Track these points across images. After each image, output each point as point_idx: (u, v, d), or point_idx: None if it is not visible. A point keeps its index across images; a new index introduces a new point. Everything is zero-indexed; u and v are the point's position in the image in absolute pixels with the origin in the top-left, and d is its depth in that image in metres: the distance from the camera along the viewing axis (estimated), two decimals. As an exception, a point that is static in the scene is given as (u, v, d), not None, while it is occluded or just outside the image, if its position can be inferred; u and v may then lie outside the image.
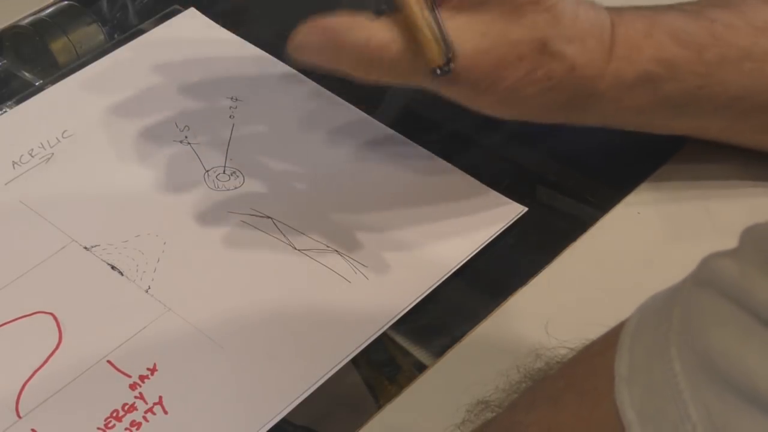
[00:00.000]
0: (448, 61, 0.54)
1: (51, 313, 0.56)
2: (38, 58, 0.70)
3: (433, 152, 0.64)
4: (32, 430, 0.51)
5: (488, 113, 0.59)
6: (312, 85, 0.68)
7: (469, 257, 0.59)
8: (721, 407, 0.34)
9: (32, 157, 0.64)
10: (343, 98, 0.67)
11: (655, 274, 0.58)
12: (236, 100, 0.65)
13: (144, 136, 0.65)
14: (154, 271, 0.58)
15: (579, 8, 0.57)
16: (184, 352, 0.54)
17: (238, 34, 0.70)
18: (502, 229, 0.60)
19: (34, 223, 0.60)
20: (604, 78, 0.58)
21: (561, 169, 0.64)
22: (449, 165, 0.63)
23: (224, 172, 0.63)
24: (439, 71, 0.54)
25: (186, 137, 0.65)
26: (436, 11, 0.55)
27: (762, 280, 0.34)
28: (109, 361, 0.54)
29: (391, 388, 0.54)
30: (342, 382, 0.54)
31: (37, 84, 0.68)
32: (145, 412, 0.52)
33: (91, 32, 0.71)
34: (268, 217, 0.60)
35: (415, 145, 0.64)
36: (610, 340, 0.39)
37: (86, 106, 0.67)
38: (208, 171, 0.63)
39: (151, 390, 0.53)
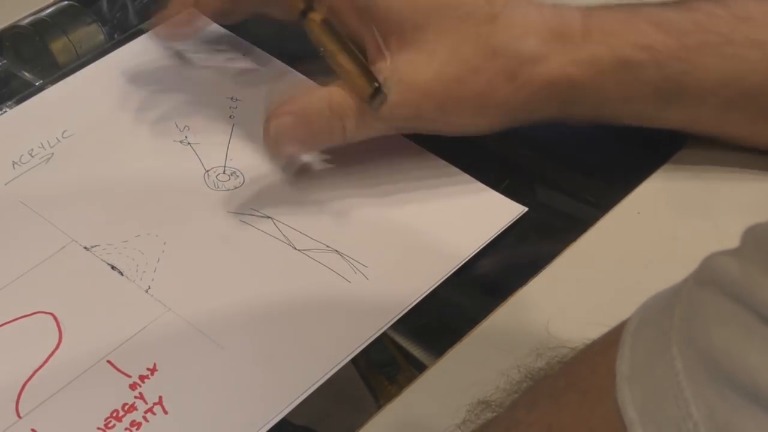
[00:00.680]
0: (378, 88, 0.56)
1: (51, 313, 0.56)
2: (38, 58, 0.70)
3: (433, 152, 0.64)
4: (32, 430, 0.51)
5: (476, 132, 0.60)
6: (312, 84, 0.68)
7: (469, 257, 0.59)
8: (723, 405, 0.34)
9: (32, 157, 0.64)
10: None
11: (655, 274, 0.58)
12: (236, 100, 0.65)
13: (144, 136, 0.65)
14: (154, 271, 0.58)
15: (529, 8, 0.59)
16: (184, 352, 0.54)
17: (238, 34, 0.70)
18: (502, 229, 0.60)
19: (34, 223, 0.60)
20: (578, 65, 0.58)
21: (561, 169, 0.64)
22: (449, 165, 0.63)
23: (224, 172, 0.63)
24: (373, 100, 0.56)
25: (186, 137, 0.65)
26: (353, 50, 0.57)
27: (764, 278, 0.34)
28: (109, 361, 0.54)
29: (391, 388, 0.54)
30: (342, 382, 0.54)
31: (37, 84, 0.68)
32: (145, 412, 0.52)
33: (91, 32, 0.71)
34: (268, 217, 0.60)
35: (415, 145, 0.64)
36: (611, 339, 0.39)
37: (86, 106, 0.67)
38: (208, 171, 0.63)
39: (151, 390, 0.53)
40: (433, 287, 0.58)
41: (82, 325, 0.56)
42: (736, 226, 0.62)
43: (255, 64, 0.69)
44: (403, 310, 0.56)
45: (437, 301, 0.57)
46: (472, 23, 0.57)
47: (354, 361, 0.54)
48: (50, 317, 0.56)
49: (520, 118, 0.60)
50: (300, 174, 0.63)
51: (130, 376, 0.53)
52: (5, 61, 0.70)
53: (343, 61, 0.58)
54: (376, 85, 0.57)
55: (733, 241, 0.60)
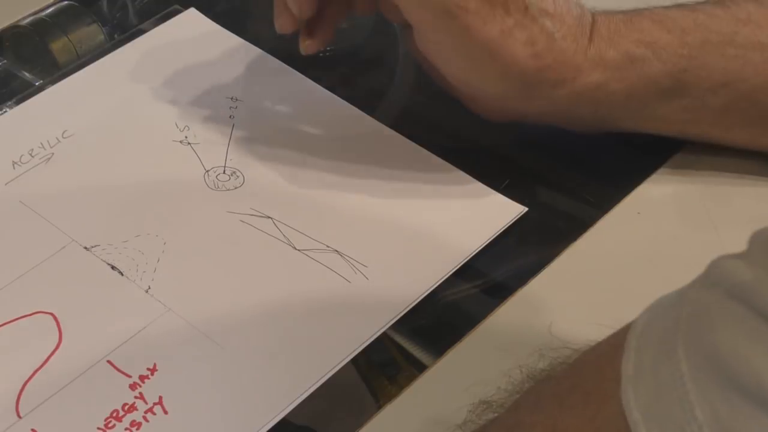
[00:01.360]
0: None
1: (51, 313, 0.56)
2: (38, 58, 0.70)
3: (433, 152, 0.64)
4: (32, 430, 0.51)
5: (481, 86, 0.60)
6: (312, 85, 0.68)
7: (469, 257, 0.59)
8: (728, 409, 0.34)
9: (32, 157, 0.64)
10: (343, 98, 0.67)
11: (655, 273, 0.58)
12: (236, 100, 0.65)
13: (144, 136, 0.65)
14: (154, 271, 0.58)
15: None
16: (184, 352, 0.54)
17: (238, 34, 0.70)
18: (502, 229, 0.60)
19: (34, 223, 0.60)
20: (586, 56, 0.59)
21: (561, 169, 0.64)
22: (449, 165, 0.63)
23: (224, 172, 0.63)
24: None
25: (186, 137, 0.65)
26: None
27: None
28: (109, 361, 0.54)
29: (391, 388, 0.54)
30: (342, 382, 0.54)
31: (37, 84, 0.68)
32: (145, 412, 0.52)
33: (91, 32, 0.71)
34: (268, 217, 0.60)
35: (415, 145, 0.64)
36: (616, 341, 0.39)
37: (86, 106, 0.67)
38: (208, 171, 0.63)
39: (151, 390, 0.53)
40: (433, 287, 0.58)
41: (82, 325, 0.56)
42: (736, 226, 0.61)
43: (255, 64, 0.69)
44: (403, 310, 0.56)
45: (437, 301, 0.57)
46: None
47: (354, 361, 0.54)
48: (50, 317, 0.56)
49: (524, 95, 0.60)
50: (300, 168, 0.63)
51: (130, 376, 0.53)
52: (5, 61, 0.70)
53: None
54: None
55: (732, 241, 0.60)
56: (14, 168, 0.63)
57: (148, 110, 0.66)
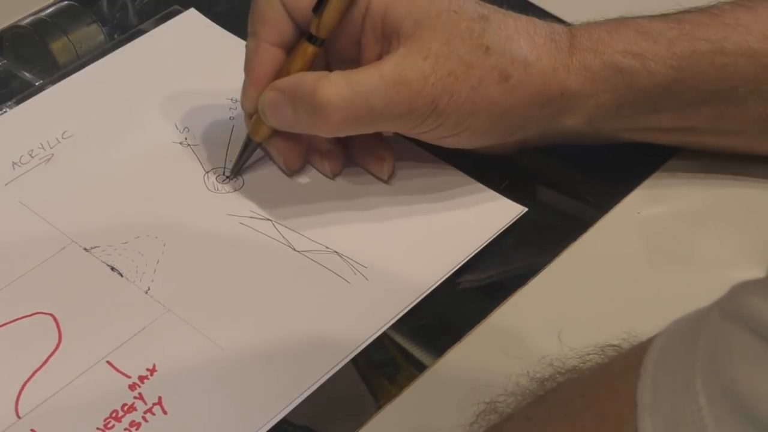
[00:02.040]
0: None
1: (51, 314, 0.56)
2: (38, 58, 0.70)
3: (433, 152, 0.63)
4: (32, 430, 0.51)
5: (469, 142, 0.60)
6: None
7: (469, 257, 0.59)
8: None
9: (32, 157, 0.64)
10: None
11: (654, 274, 0.59)
12: (236, 101, 0.65)
13: (144, 137, 0.65)
14: (154, 273, 0.58)
15: (519, 15, 0.59)
16: (183, 352, 0.54)
17: (238, 35, 0.70)
18: (502, 229, 0.60)
19: (33, 223, 0.60)
20: (569, 70, 0.58)
21: (561, 169, 0.64)
22: (449, 165, 0.63)
23: (224, 174, 0.63)
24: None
25: (186, 138, 0.65)
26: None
27: None
28: (108, 362, 0.54)
29: (391, 388, 0.54)
30: (342, 382, 0.54)
31: (37, 84, 0.68)
32: (145, 413, 0.52)
33: (91, 32, 0.71)
34: (268, 219, 0.60)
35: (414, 145, 0.64)
36: (631, 362, 0.38)
37: (86, 106, 0.67)
38: (207, 172, 0.63)
39: (150, 390, 0.53)
40: (433, 287, 0.58)
41: (81, 326, 0.56)
42: (735, 226, 0.62)
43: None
44: (403, 310, 0.56)
45: (437, 301, 0.57)
46: (465, 20, 0.57)
47: (354, 361, 0.55)
48: (50, 318, 0.56)
49: (514, 126, 0.59)
50: (298, 174, 0.63)
51: (129, 377, 0.53)
52: (5, 61, 0.70)
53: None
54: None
55: (732, 241, 0.61)
56: (14, 168, 0.63)
57: (147, 111, 0.66)
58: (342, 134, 0.59)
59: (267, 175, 0.63)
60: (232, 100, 0.66)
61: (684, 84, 0.59)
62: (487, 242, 0.60)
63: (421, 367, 0.55)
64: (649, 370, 0.37)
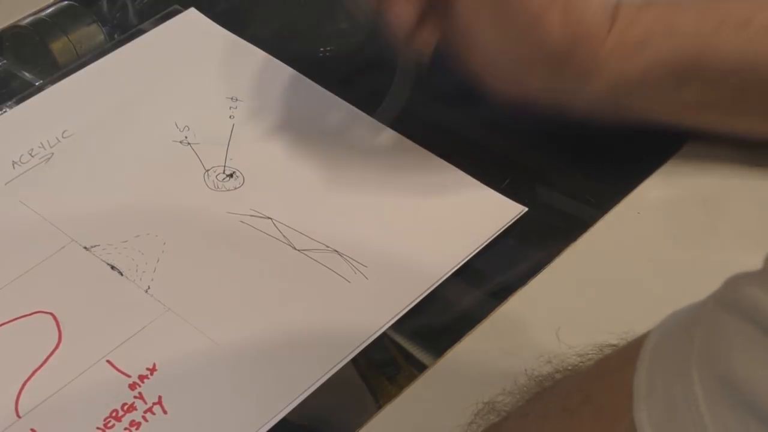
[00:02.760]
0: None
1: (51, 313, 0.56)
2: (38, 58, 0.70)
3: (433, 152, 0.64)
4: (32, 430, 0.51)
5: (517, 71, 0.60)
6: (312, 85, 0.68)
7: (469, 257, 0.59)
8: None
9: (32, 157, 0.64)
10: (343, 98, 0.67)
11: (654, 273, 0.58)
12: (236, 100, 0.65)
13: (144, 136, 0.65)
14: (154, 271, 0.58)
15: None
16: (183, 352, 0.54)
17: (238, 34, 0.70)
18: (502, 229, 0.60)
19: (34, 223, 0.60)
20: (608, 35, 0.59)
21: (561, 169, 0.64)
22: (449, 165, 0.63)
23: (224, 172, 0.63)
24: None
25: (186, 137, 0.65)
26: None
27: None
28: (108, 361, 0.54)
29: (391, 388, 0.54)
30: (342, 382, 0.54)
31: (37, 84, 0.68)
32: (145, 412, 0.52)
33: (91, 32, 0.71)
34: (268, 218, 0.60)
35: (415, 144, 0.64)
36: (628, 355, 0.38)
37: (86, 106, 0.67)
38: (207, 171, 0.63)
39: (150, 390, 0.53)
40: (433, 287, 0.58)
41: (81, 325, 0.56)
42: (735, 226, 0.62)
43: (255, 64, 0.69)
44: (403, 310, 0.56)
45: (437, 301, 0.57)
46: None
47: (354, 361, 0.54)
48: (50, 317, 0.56)
49: (551, 69, 0.60)
50: (299, 168, 0.63)
51: (129, 376, 0.53)
52: (5, 61, 0.70)
53: None
54: None
55: (732, 241, 0.61)
56: (14, 168, 0.63)
57: (147, 110, 0.66)
58: None
59: (267, 173, 0.63)
60: (232, 99, 0.66)
61: (708, 57, 0.59)
62: (488, 242, 0.60)
63: (421, 367, 0.55)
64: (645, 362, 0.37)
